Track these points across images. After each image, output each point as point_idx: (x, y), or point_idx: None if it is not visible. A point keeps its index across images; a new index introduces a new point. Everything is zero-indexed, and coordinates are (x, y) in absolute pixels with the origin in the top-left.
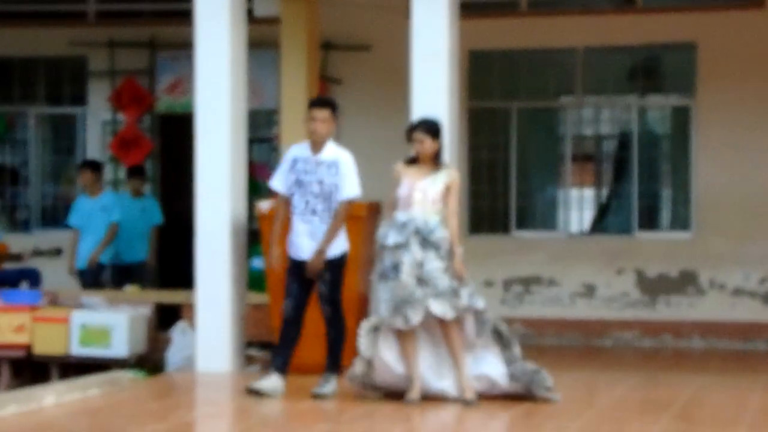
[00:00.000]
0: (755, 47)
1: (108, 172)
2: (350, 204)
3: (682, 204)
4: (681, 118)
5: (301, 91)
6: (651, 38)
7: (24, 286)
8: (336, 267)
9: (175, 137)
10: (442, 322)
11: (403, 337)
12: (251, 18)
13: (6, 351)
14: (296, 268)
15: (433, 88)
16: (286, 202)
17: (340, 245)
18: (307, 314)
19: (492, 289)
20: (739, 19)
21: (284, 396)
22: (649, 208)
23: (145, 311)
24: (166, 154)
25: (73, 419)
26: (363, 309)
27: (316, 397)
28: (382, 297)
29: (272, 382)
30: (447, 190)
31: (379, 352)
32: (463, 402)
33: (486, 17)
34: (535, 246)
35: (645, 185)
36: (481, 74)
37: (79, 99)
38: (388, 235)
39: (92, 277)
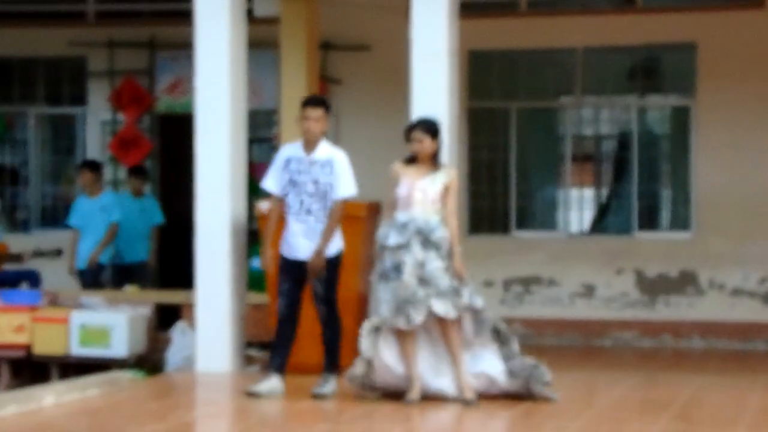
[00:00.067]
0: (755, 47)
1: (108, 172)
2: (346, 203)
3: (682, 204)
4: (681, 118)
5: (301, 91)
6: (651, 38)
7: (24, 287)
8: (332, 266)
9: (174, 137)
10: (441, 322)
11: (403, 337)
12: (251, 18)
13: (6, 351)
14: (289, 267)
15: (433, 88)
16: (280, 202)
17: (336, 244)
18: (305, 313)
19: (492, 289)
20: (738, 19)
21: (284, 396)
22: (648, 208)
23: (145, 311)
24: (165, 154)
25: (72, 419)
26: (362, 309)
27: (316, 397)
28: (382, 297)
29: (271, 383)
30: (446, 189)
31: (379, 353)
32: (462, 402)
33: (486, 17)
34: (534, 246)
35: (645, 185)
36: (480, 74)
37: (79, 99)
38: (389, 235)
39: (92, 278)
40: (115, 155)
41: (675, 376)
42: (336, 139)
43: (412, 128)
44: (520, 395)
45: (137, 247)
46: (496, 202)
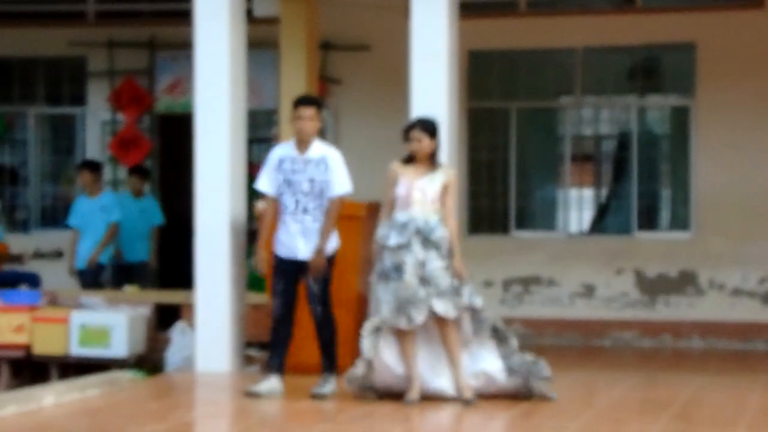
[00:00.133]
0: (755, 47)
1: (107, 173)
2: (342, 200)
3: (682, 204)
4: (680, 118)
5: (301, 91)
6: (650, 38)
7: (23, 288)
8: (329, 265)
9: (174, 137)
10: (441, 321)
11: (403, 336)
12: (251, 18)
13: (5, 351)
14: (285, 267)
15: (433, 88)
16: (274, 203)
17: (332, 243)
18: (305, 314)
19: (491, 289)
20: (738, 19)
21: (283, 396)
22: (648, 208)
23: (145, 311)
24: (165, 155)
25: (72, 419)
26: (362, 309)
27: (316, 397)
28: (383, 297)
29: (271, 383)
30: (445, 189)
31: (379, 353)
32: (462, 402)
33: (485, 17)
34: (534, 246)
35: (644, 185)
36: (480, 74)
37: (79, 99)
38: (389, 236)
39: (92, 278)
40: (114, 155)
41: (675, 376)
42: (336, 139)
43: (410, 128)
44: (519, 394)
45: (137, 247)
46: (495, 202)
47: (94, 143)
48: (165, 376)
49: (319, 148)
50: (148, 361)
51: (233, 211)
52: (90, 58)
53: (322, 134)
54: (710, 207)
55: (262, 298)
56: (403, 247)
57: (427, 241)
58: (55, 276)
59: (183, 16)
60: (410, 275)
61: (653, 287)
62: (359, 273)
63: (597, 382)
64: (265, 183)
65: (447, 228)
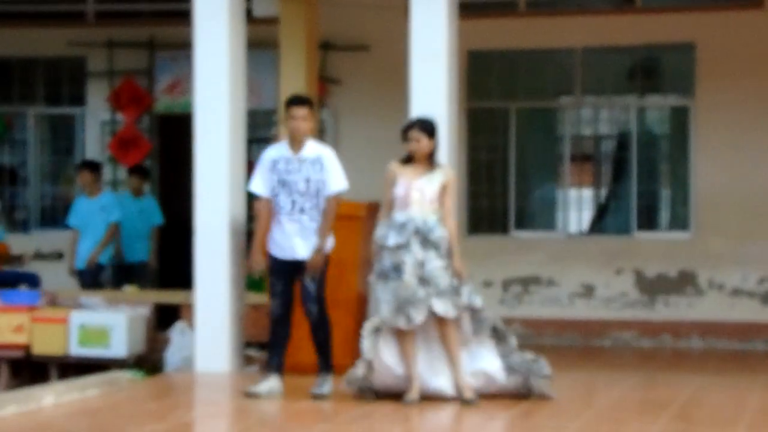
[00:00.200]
0: (754, 47)
1: (107, 173)
2: (339, 198)
3: (681, 204)
4: (680, 118)
5: (300, 91)
6: (650, 38)
7: (23, 288)
8: (325, 264)
9: (174, 137)
10: (440, 321)
11: (403, 336)
12: (250, 18)
13: (5, 351)
14: (282, 267)
15: (432, 88)
16: (269, 204)
17: (328, 242)
18: (302, 314)
19: (491, 289)
20: (737, 19)
21: (283, 396)
22: (648, 208)
23: (144, 311)
24: (165, 155)
25: (72, 419)
26: (362, 309)
27: (316, 398)
28: (382, 297)
29: (270, 383)
30: (443, 189)
31: (379, 353)
32: (463, 401)
33: (485, 17)
34: (533, 246)
35: (644, 185)
36: (480, 74)
37: (78, 99)
38: (388, 236)
39: (91, 278)
40: (114, 155)
41: (674, 376)
42: (335, 139)
43: (408, 128)
44: (519, 393)
45: (137, 247)
46: (495, 202)
47: (93, 143)
48: (164, 376)
49: (313, 148)
50: (148, 361)
51: (233, 211)
52: (89, 58)
53: (321, 134)
54: (710, 207)
55: (262, 298)
56: (402, 247)
57: (426, 241)
58: (55, 276)
59: (182, 16)
60: (409, 275)
61: (653, 287)
62: (359, 273)
63: (596, 382)
64: (258, 184)
65: (446, 228)
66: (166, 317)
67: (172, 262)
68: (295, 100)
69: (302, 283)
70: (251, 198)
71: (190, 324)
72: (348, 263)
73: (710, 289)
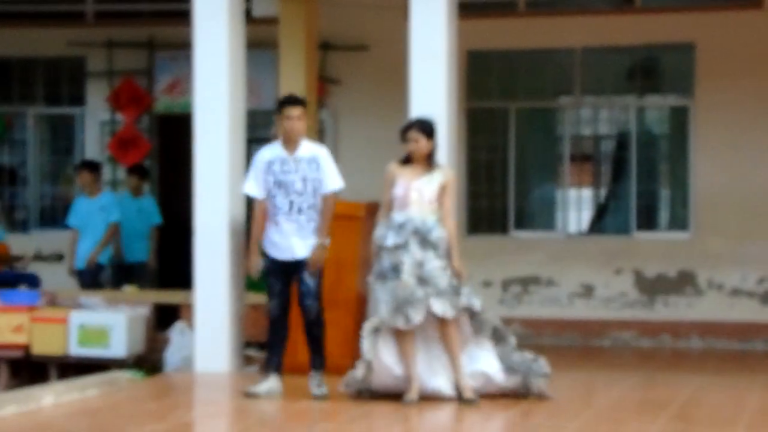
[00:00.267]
0: (753, 47)
1: (106, 173)
2: (336, 196)
3: (681, 204)
4: (679, 118)
5: (300, 92)
6: (649, 38)
7: (22, 288)
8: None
9: (173, 137)
10: (441, 321)
11: (402, 336)
12: (249, 18)
13: (4, 351)
14: (280, 268)
15: (432, 88)
16: (264, 206)
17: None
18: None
19: (490, 289)
20: (737, 19)
21: (282, 396)
22: (647, 208)
23: (144, 311)
24: (164, 155)
25: (71, 419)
26: (361, 310)
27: (319, 398)
28: (381, 298)
29: (270, 384)
30: (442, 189)
31: (378, 353)
32: (463, 401)
33: (484, 17)
34: (533, 246)
35: (643, 185)
36: (479, 74)
37: (78, 99)
38: (387, 236)
39: (91, 278)
40: (113, 155)
41: (674, 376)
42: (335, 139)
43: (407, 128)
44: (517, 393)
45: (136, 247)
46: (494, 202)
47: (93, 143)
48: (164, 376)
49: (308, 147)
50: (147, 361)
51: (232, 212)
52: (89, 58)
53: (321, 134)
54: (709, 207)
55: (261, 298)
56: (401, 247)
57: (424, 241)
58: (54, 276)
59: (182, 16)
60: (407, 275)
61: (652, 287)
62: (358, 273)
63: (596, 382)
64: (253, 187)
65: (445, 228)
66: (165, 317)
67: (171, 262)
68: (289, 100)
69: (301, 280)
70: (250, 198)
71: (190, 324)
72: (347, 263)
73: (709, 289)
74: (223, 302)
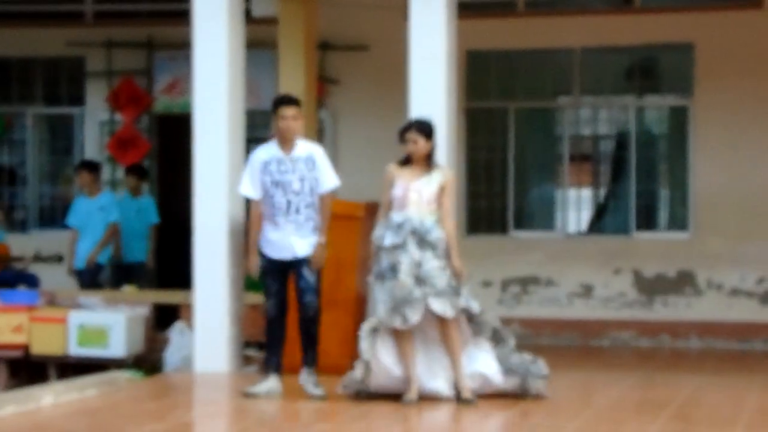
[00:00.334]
0: (753, 47)
1: (106, 173)
2: (333, 194)
3: (680, 204)
4: (678, 118)
5: (299, 92)
6: (648, 38)
7: (22, 288)
8: None
9: (173, 137)
10: (442, 322)
11: (400, 336)
12: (249, 18)
13: (3, 351)
14: (277, 268)
15: (431, 88)
16: (260, 206)
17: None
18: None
19: (490, 289)
20: (736, 19)
21: (282, 396)
22: (646, 208)
23: (143, 311)
24: (164, 155)
25: (71, 419)
26: (360, 310)
27: (318, 398)
28: (379, 298)
29: (269, 384)
30: (442, 190)
31: (377, 354)
32: (462, 401)
33: (484, 17)
34: (532, 246)
35: (642, 185)
36: (478, 74)
37: (77, 99)
38: (385, 236)
39: (90, 278)
40: (113, 155)
41: (673, 376)
42: (334, 140)
43: (406, 129)
44: (515, 394)
45: (136, 247)
46: (494, 202)
47: (92, 143)
48: (163, 376)
49: (304, 147)
50: (147, 361)
51: (232, 212)
52: (88, 58)
53: (320, 134)
54: (708, 207)
55: (260, 298)
56: (399, 247)
57: (422, 241)
58: (54, 276)
59: (181, 16)
60: (405, 275)
61: (651, 287)
62: (358, 273)
63: (595, 382)
64: (248, 187)
65: (444, 229)
66: (165, 317)
67: (171, 262)
68: (284, 100)
69: (301, 276)
70: (250, 198)
71: (189, 324)
72: (347, 263)
73: (709, 289)
74: (222, 302)
